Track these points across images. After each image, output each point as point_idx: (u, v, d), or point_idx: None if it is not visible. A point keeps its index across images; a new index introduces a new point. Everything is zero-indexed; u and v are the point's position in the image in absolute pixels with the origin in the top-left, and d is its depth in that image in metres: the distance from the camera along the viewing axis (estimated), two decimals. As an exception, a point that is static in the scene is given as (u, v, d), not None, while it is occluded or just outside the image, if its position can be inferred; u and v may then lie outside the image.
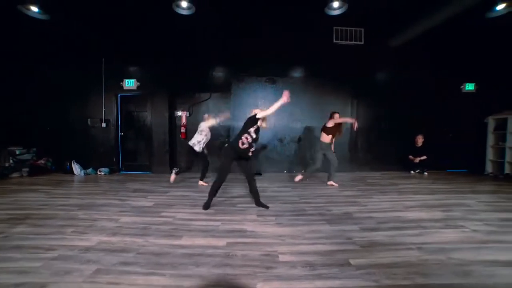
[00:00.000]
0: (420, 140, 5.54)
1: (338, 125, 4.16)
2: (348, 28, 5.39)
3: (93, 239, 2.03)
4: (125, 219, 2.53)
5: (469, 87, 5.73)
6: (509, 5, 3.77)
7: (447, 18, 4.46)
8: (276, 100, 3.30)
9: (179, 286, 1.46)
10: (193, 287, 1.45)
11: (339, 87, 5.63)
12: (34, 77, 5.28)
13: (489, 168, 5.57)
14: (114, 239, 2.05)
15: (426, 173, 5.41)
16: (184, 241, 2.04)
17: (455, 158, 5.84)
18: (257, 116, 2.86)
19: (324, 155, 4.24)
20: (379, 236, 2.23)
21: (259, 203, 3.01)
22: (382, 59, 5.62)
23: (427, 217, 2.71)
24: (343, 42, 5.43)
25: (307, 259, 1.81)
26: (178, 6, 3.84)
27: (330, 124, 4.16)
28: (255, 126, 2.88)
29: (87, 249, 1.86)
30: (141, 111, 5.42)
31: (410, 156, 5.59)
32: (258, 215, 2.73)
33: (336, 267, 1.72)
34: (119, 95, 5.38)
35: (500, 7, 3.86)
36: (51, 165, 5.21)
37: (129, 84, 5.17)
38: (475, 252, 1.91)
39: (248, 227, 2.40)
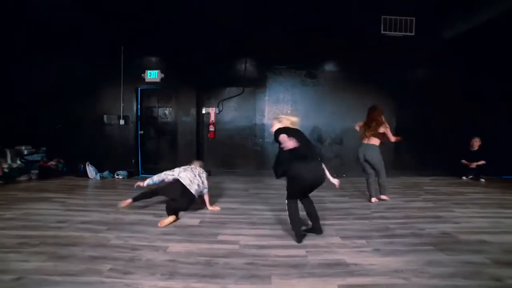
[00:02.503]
0: (476, 143, 4.94)
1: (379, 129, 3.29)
2: (398, 18, 4.79)
3: (146, 285, 1.40)
4: (174, 247, 1.89)
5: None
6: None
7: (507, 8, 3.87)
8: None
9: None
10: None
11: (384, 84, 5.01)
12: (43, 68, 4.65)
13: (553, 174, 4.95)
14: (176, 285, 1.41)
15: (482, 180, 4.80)
16: (277, 286, 1.41)
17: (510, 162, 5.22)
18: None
19: (367, 161, 3.34)
20: (531, 273, 1.61)
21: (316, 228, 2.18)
22: (434, 52, 5.00)
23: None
24: (392, 33, 4.82)
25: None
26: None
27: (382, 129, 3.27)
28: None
29: (144, 304, 1.23)
30: (164, 107, 4.79)
31: (464, 161, 4.98)
32: (341, 237, 2.12)
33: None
34: (139, 89, 4.75)
35: None
36: (62, 167, 4.58)
37: (152, 75, 4.55)
38: None
39: (344, 256, 1.79)
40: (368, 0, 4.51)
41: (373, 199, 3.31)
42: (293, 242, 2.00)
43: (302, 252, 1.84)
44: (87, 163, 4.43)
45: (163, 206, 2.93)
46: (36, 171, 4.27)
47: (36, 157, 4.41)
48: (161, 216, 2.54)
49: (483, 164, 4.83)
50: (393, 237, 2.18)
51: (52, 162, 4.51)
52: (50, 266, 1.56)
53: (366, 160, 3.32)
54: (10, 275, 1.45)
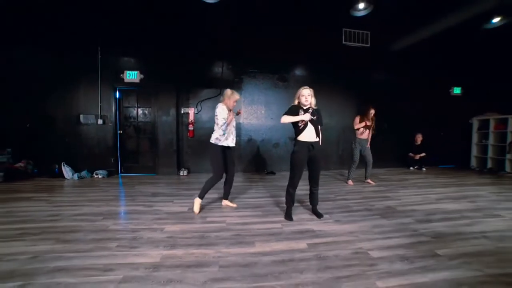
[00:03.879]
0: (419, 138, 5.95)
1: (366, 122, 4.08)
2: (356, 31, 5.57)
3: (153, 254, 1.69)
4: (170, 228, 2.18)
5: (457, 90, 6.34)
6: (504, 17, 4.25)
7: (446, 27, 4.90)
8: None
9: (302, 298, 1.26)
10: (323, 297, 1.26)
11: (346, 87, 5.76)
12: (11, 62, 4.38)
13: (474, 163, 6.20)
14: (178, 252, 1.73)
15: (424, 169, 5.82)
16: (261, 248, 1.81)
17: (445, 154, 6.39)
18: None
19: (361, 151, 4.18)
20: (438, 227, 2.28)
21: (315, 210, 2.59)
22: (386, 61, 5.91)
23: (463, 208, 2.87)
24: (351, 43, 5.59)
25: (397, 253, 1.77)
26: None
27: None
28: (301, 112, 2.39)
29: (156, 267, 1.54)
30: (144, 107, 4.87)
31: (410, 154, 5.95)
32: (310, 214, 2.60)
33: (430, 258, 1.71)
34: (117, 88, 4.76)
35: (496, 20, 4.32)
36: (32, 169, 4.37)
37: (131, 76, 4.61)
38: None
39: (312, 226, 2.26)
40: (331, 15, 5.17)
41: (350, 182, 4.19)
42: (270, 219, 2.42)
43: (278, 225, 2.27)
44: (62, 164, 4.33)
45: (150, 198, 3.16)
46: (2, 173, 4.02)
47: (1, 158, 4.16)
48: (151, 206, 2.78)
49: (424, 156, 5.86)
50: (351, 211, 2.73)
51: (20, 164, 4.29)
52: (60, 248, 1.75)
53: (361, 150, 4.13)
54: (24, 256, 1.61)
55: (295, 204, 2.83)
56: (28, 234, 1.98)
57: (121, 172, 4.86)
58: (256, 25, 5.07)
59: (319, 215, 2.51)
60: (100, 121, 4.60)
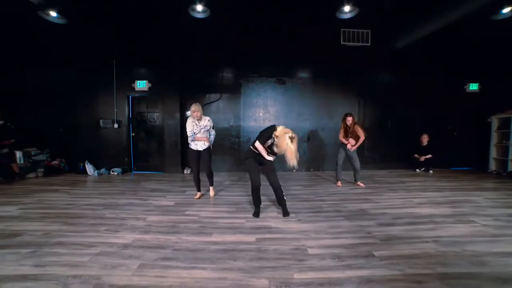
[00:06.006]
0: (425, 139, 5.68)
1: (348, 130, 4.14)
2: (355, 30, 5.51)
3: (128, 237, 2.14)
4: (152, 218, 2.63)
5: (473, 87, 5.87)
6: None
7: (452, 20, 4.59)
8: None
9: (222, 278, 1.57)
10: (237, 278, 1.56)
11: (346, 87, 5.74)
12: (47, 78, 5.32)
13: (492, 166, 5.72)
14: (147, 237, 2.16)
15: (431, 171, 5.55)
16: (215, 238, 2.15)
17: (460, 156, 5.99)
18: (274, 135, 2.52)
19: (346, 154, 4.24)
20: (395, 230, 2.36)
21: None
22: (388, 60, 5.74)
23: (438, 213, 2.85)
24: (350, 43, 5.54)
25: (334, 251, 1.94)
26: (194, 10, 3.93)
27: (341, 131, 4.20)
28: (270, 141, 2.56)
29: (125, 246, 1.97)
30: (152, 112, 5.50)
31: (416, 155, 5.72)
32: (278, 213, 2.85)
33: (362, 258, 1.85)
34: (130, 96, 5.45)
35: (506, 10, 3.98)
36: (64, 166, 5.29)
37: (141, 85, 5.24)
38: (488, 245, 2.05)
39: (272, 223, 2.52)
40: (329, 15, 5.21)
41: (339, 183, 4.31)
42: (239, 215, 2.74)
43: (242, 221, 2.58)
44: (86, 162, 5.15)
45: (149, 193, 3.68)
46: (42, 169, 4.97)
47: (42, 157, 5.09)
48: (146, 200, 3.29)
49: (430, 158, 5.59)
50: (319, 212, 2.90)
51: (55, 161, 5.21)
52: (65, 228, 2.31)
53: (346, 155, 4.22)
54: (40, 232, 2.20)
55: (270, 203, 3.10)
56: (47, 217, 2.59)
57: (134, 170, 5.56)
58: (252, 31, 5.34)
59: (284, 214, 2.74)
60: (116, 125, 5.33)
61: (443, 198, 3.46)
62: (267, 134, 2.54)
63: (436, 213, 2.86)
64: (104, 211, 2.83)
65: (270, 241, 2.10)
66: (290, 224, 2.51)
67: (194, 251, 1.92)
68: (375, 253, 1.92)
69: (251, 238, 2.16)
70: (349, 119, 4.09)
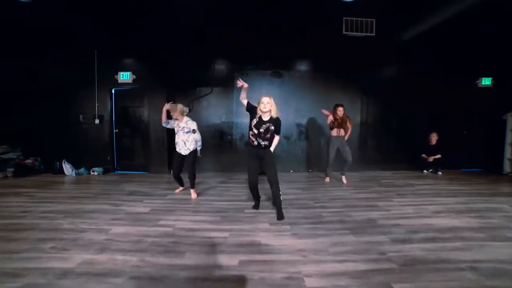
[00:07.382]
0: (434, 138, 5.23)
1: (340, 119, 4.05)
2: (359, 19, 5.02)
3: (75, 258, 1.68)
4: (117, 229, 2.17)
5: (486, 81, 5.40)
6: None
7: (464, 8, 4.12)
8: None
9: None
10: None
11: (348, 82, 5.26)
12: (20, 70, 4.83)
13: (507, 167, 5.26)
14: (101, 257, 1.70)
15: (440, 173, 5.11)
16: (187, 260, 1.69)
17: (470, 156, 5.53)
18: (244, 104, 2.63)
19: (338, 149, 4.10)
20: (415, 250, 1.90)
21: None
22: (394, 52, 5.26)
23: (462, 225, 2.40)
24: (353, 33, 5.06)
25: (338, 283, 1.48)
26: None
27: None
28: (254, 120, 2.54)
29: (64, 273, 1.51)
30: (137, 107, 5.02)
31: (423, 155, 5.27)
32: (270, 223, 2.40)
33: (377, 294, 1.39)
34: (113, 90, 4.97)
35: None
36: (39, 165, 4.81)
37: (124, 77, 4.76)
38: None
39: (262, 238, 2.06)
40: (330, 3, 4.73)
41: (327, 179, 4.29)
42: (222, 226, 2.28)
43: (225, 234, 2.11)
44: (63, 161, 4.67)
45: (124, 197, 3.21)
46: (12, 169, 4.44)
47: (12, 155, 4.60)
48: (118, 206, 2.83)
49: (439, 158, 5.13)
50: (319, 223, 2.44)
51: (29, 160, 4.72)
52: (1, 247, 1.83)
53: (337, 149, 4.10)
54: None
55: (262, 210, 2.65)
56: (-12, 230, 2.12)
57: (117, 170, 5.09)
58: (246, 19, 4.85)
59: (278, 217, 2.48)
60: (97, 121, 4.85)
61: (462, 206, 3.00)
62: (252, 113, 2.56)
63: (458, 225, 2.40)
64: (63, 221, 2.36)
65: (257, 266, 1.64)
66: (284, 240, 2.05)
67: (157, 280, 1.46)
68: (395, 286, 1.46)
69: (233, 260, 1.70)
70: (341, 110, 3.99)
